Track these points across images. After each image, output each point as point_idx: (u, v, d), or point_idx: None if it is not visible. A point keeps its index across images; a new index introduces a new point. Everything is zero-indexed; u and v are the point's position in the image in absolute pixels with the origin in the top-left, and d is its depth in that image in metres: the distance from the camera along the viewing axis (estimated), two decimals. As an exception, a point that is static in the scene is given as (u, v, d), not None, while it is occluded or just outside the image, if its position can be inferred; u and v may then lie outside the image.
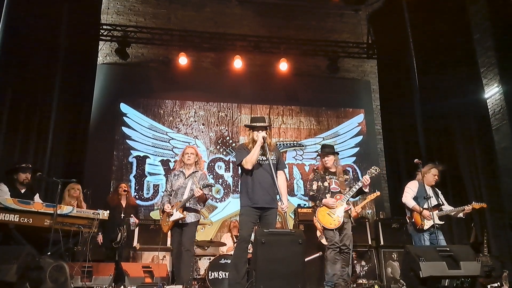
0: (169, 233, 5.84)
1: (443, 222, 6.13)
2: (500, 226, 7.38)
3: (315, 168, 6.19)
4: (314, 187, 5.83)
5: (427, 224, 5.97)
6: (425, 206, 6.01)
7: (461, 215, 6.27)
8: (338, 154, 6.17)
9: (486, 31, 8.73)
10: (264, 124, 5.20)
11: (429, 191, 6.15)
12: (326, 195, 5.69)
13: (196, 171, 5.89)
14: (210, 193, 6.39)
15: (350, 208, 5.76)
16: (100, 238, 6.87)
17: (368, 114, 11.18)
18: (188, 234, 5.64)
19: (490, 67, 8.70)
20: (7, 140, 7.26)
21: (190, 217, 5.66)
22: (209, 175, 10.08)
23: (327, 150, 5.95)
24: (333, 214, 5.60)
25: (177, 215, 5.57)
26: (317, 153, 6.31)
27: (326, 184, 5.77)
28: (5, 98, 7.37)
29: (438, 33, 8.73)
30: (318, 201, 5.73)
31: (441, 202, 6.25)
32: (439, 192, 6.44)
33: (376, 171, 5.70)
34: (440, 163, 6.58)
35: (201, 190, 5.50)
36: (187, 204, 5.65)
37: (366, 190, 5.74)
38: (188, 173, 5.85)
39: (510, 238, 7.27)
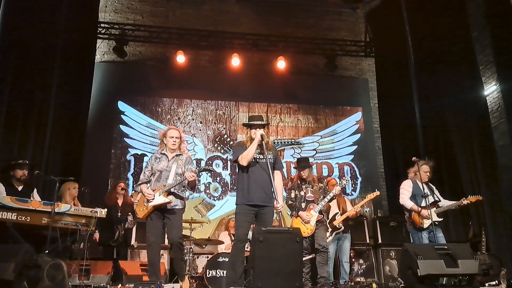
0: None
1: (442, 219, 6.16)
2: (499, 224, 7.39)
3: (291, 177, 6.71)
4: (292, 195, 6.26)
5: (426, 223, 5.99)
6: (423, 204, 6.05)
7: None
8: (313, 165, 6.84)
9: (484, 29, 8.73)
10: (262, 122, 5.19)
11: (424, 189, 6.17)
12: (302, 204, 6.13)
13: (180, 154, 5.50)
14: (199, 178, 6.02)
15: (323, 216, 6.18)
16: (96, 236, 6.85)
17: (366, 112, 11.18)
18: (176, 226, 5.27)
19: (488, 65, 8.71)
20: (5, 137, 7.24)
21: (177, 204, 5.27)
22: (207, 173, 10.08)
23: (302, 164, 6.35)
24: (306, 223, 6.05)
25: (160, 199, 5.13)
26: (294, 166, 6.80)
27: (302, 193, 6.20)
28: (3, 96, 7.35)
29: (436, 31, 8.73)
30: (294, 212, 6.17)
31: (437, 199, 6.27)
32: (434, 188, 6.46)
33: (346, 182, 6.47)
34: (430, 159, 6.60)
35: (195, 173, 5.14)
36: (173, 189, 5.24)
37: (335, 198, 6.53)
38: (171, 156, 5.44)
39: (509, 236, 7.28)
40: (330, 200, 6.33)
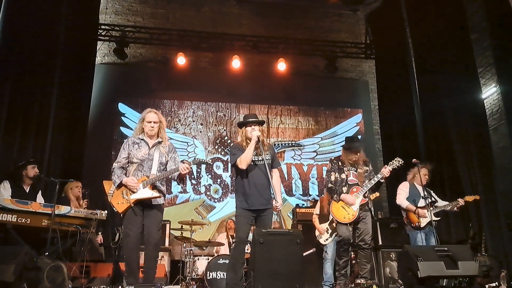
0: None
1: (439, 218, 6.17)
2: (498, 226, 7.38)
3: (333, 158, 5.90)
4: (332, 178, 5.63)
5: (424, 222, 6.01)
6: (419, 205, 6.08)
7: (455, 208, 6.32)
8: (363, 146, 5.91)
9: (484, 31, 8.74)
10: (256, 119, 5.14)
11: (421, 191, 6.20)
12: (343, 188, 5.53)
13: (161, 141, 4.97)
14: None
15: (368, 201, 5.56)
16: (100, 238, 6.85)
17: (366, 114, 11.19)
18: (157, 221, 4.78)
19: (487, 67, 8.71)
20: (5, 139, 7.25)
21: (160, 198, 4.81)
22: (207, 175, 10.08)
23: (354, 145, 5.69)
24: (347, 208, 5.47)
25: (146, 192, 4.64)
26: (342, 146, 5.94)
27: (343, 176, 5.60)
28: (4, 98, 7.36)
29: (436, 33, 8.72)
30: (336, 195, 5.55)
31: (434, 200, 6.28)
32: (431, 191, 6.48)
33: (399, 163, 5.49)
34: (429, 162, 6.59)
35: (189, 166, 4.65)
36: (157, 183, 4.77)
37: (382, 181, 5.57)
38: (152, 143, 4.90)
39: (508, 238, 7.27)
40: (379, 184, 5.59)
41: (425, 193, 6.09)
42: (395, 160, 5.51)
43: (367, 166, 5.74)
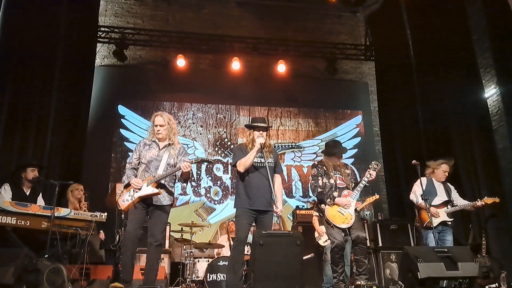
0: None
1: (452, 219, 6.09)
2: (499, 227, 7.37)
3: (316, 163, 5.83)
4: (320, 183, 5.53)
5: (435, 222, 5.91)
6: (433, 203, 5.99)
7: (473, 208, 6.25)
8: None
9: (484, 32, 8.73)
10: (265, 125, 5.14)
11: (440, 187, 6.13)
12: (334, 193, 5.44)
13: (172, 143, 5.01)
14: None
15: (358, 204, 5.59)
16: (102, 235, 6.84)
17: (366, 116, 11.19)
18: (161, 222, 4.81)
19: (487, 68, 8.70)
20: (6, 141, 7.25)
21: (165, 198, 4.84)
22: (207, 177, 10.07)
23: (335, 150, 5.71)
24: (344, 212, 5.40)
25: (148, 189, 4.67)
26: (322, 152, 5.97)
27: (332, 181, 5.53)
28: (4, 100, 7.36)
29: (436, 35, 8.73)
30: (329, 200, 5.42)
31: (451, 199, 6.20)
32: (451, 188, 6.37)
33: (378, 166, 5.52)
34: (450, 158, 6.49)
35: (190, 165, 4.70)
36: (163, 181, 4.80)
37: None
38: (163, 145, 4.96)
39: (509, 239, 7.26)
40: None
41: (440, 190, 6.05)
42: (374, 163, 5.53)
43: (347, 169, 5.77)
